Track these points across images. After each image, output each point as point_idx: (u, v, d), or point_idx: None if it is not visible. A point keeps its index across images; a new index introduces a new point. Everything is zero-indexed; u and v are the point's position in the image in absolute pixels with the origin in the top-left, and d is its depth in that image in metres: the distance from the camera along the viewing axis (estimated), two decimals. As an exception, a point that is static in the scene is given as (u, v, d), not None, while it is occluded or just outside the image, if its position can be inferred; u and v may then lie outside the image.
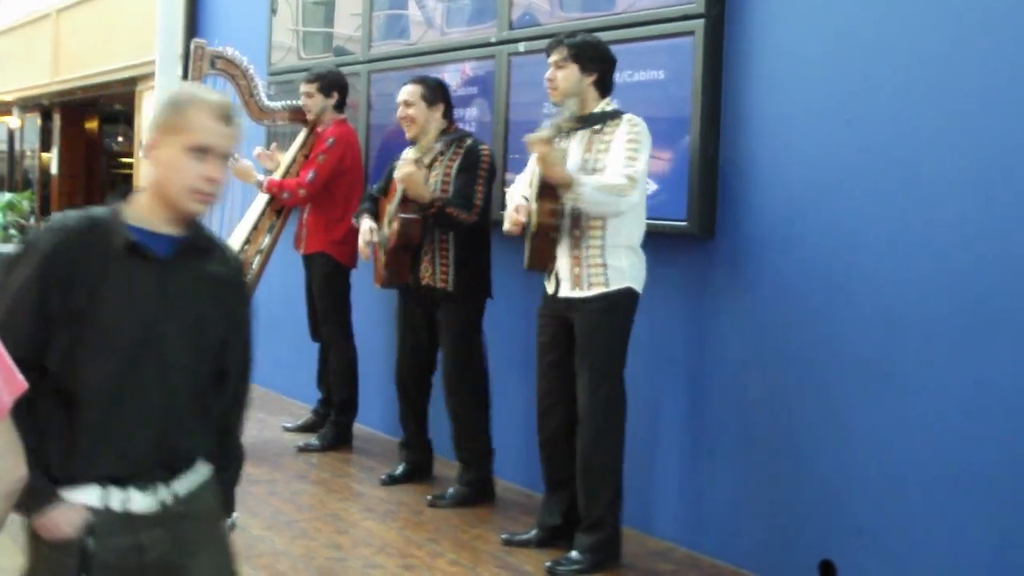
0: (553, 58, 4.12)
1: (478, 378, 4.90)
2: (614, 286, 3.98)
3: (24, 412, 1.85)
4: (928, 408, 3.54)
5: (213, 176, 2.16)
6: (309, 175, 5.63)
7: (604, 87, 4.12)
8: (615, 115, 4.06)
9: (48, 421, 2.08)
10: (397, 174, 4.75)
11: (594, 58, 4.09)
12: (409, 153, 4.82)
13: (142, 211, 2.16)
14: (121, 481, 2.09)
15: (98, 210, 2.17)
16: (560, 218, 4.03)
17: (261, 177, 5.81)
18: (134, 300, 2.11)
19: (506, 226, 4.20)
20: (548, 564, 4.01)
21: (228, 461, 2.32)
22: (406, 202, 4.73)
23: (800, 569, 3.90)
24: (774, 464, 4.05)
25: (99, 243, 2.09)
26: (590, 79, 4.08)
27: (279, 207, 5.84)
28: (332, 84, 5.78)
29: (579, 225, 4.02)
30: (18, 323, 2.06)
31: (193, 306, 2.18)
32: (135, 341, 2.10)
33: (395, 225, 4.78)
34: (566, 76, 4.08)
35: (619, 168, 3.92)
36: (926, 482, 3.54)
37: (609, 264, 3.98)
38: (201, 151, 2.13)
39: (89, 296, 2.07)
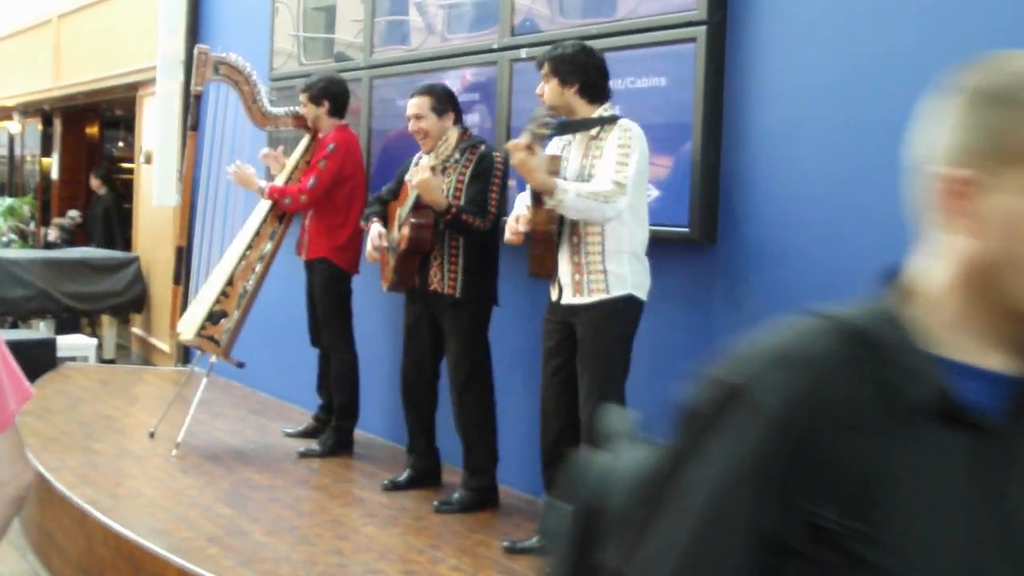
0: (541, 72, 4.17)
1: (484, 386, 4.90)
2: (615, 292, 3.98)
3: None
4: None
5: None
6: (310, 181, 5.63)
7: (592, 94, 4.11)
8: (612, 121, 4.06)
9: None
10: (413, 180, 4.74)
11: (572, 69, 4.08)
12: (426, 160, 4.77)
13: (941, 320, 1.09)
14: None
15: (854, 314, 1.16)
16: (555, 224, 4.04)
17: (263, 184, 5.83)
18: (954, 511, 1.03)
19: (506, 236, 4.22)
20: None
21: None
22: (419, 207, 4.73)
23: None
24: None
25: (878, 389, 1.04)
26: (571, 90, 4.09)
27: (281, 213, 5.85)
28: (321, 93, 5.77)
29: (577, 232, 4.03)
30: (717, 563, 1.03)
31: None
32: None
33: (406, 230, 4.78)
34: (549, 90, 4.12)
35: (608, 174, 3.92)
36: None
37: (609, 270, 3.98)
38: None
39: (860, 503, 1.01)
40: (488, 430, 4.90)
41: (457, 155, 4.83)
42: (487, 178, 4.75)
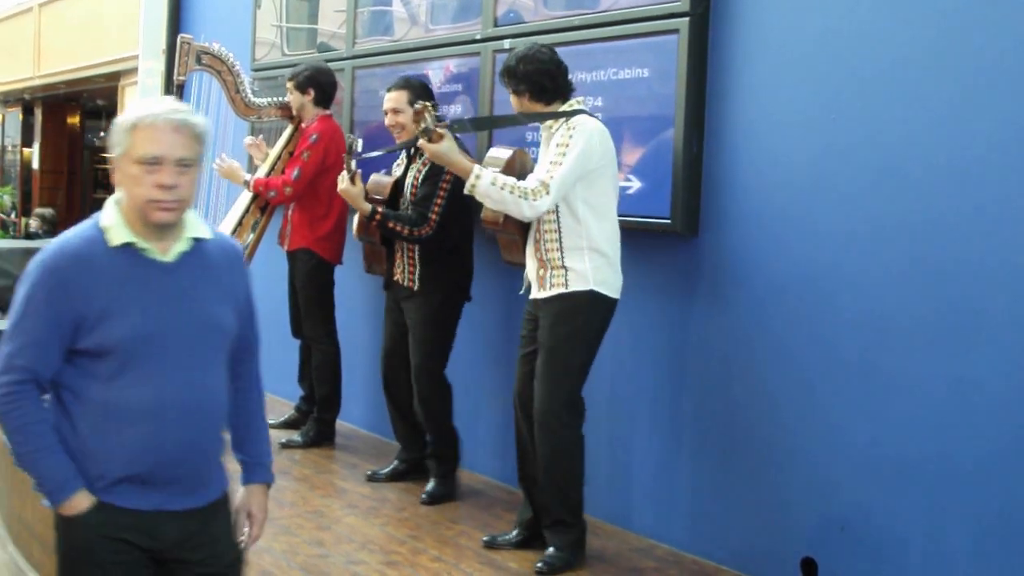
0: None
1: (437, 375, 4.89)
2: (573, 288, 3.97)
3: None
4: (909, 405, 3.56)
5: None
6: (294, 173, 5.62)
7: (545, 96, 4.11)
8: (571, 116, 4.03)
9: None
10: (339, 187, 4.88)
11: (517, 82, 4.12)
12: (345, 171, 4.87)
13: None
14: None
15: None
16: (500, 215, 4.07)
17: (248, 176, 5.81)
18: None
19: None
20: (539, 566, 3.99)
21: None
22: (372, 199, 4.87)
23: (782, 566, 3.91)
24: (757, 462, 4.06)
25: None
26: (525, 98, 4.13)
27: (263, 204, 5.83)
28: (307, 81, 5.76)
29: (538, 228, 4.04)
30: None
31: None
32: None
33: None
34: (512, 100, 4.19)
35: (539, 172, 3.95)
36: (907, 479, 3.56)
37: (569, 267, 3.97)
38: None
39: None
40: (443, 419, 4.91)
41: (421, 151, 4.86)
42: (436, 181, 4.74)
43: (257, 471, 2.71)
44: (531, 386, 4.11)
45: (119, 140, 2.40)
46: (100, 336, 2.34)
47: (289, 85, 5.81)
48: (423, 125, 4.05)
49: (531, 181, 3.92)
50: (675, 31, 4.26)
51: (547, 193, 3.87)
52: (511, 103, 4.22)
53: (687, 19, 4.22)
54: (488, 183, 3.91)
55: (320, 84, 5.78)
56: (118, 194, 2.46)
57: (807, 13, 3.94)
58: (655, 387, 4.47)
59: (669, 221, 4.28)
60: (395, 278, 4.92)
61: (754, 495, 4.07)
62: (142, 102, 2.47)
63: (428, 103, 4.18)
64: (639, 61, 4.43)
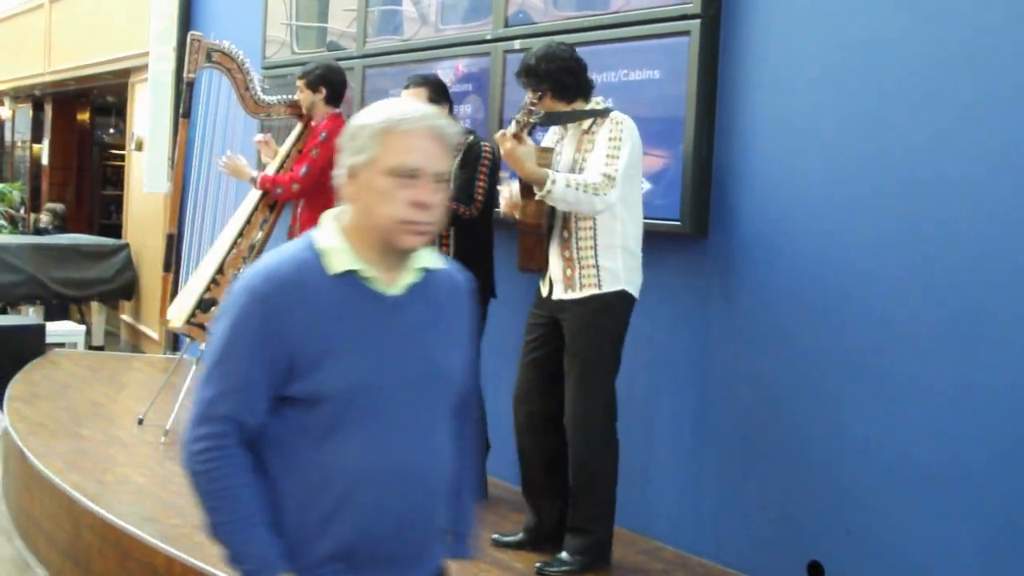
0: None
1: (474, 377, 4.89)
2: (607, 288, 3.95)
3: None
4: (917, 409, 3.56)
5: None
6: (302, 170, 5.62)
7: (567, 94, 4.07)
8: (603, 113, 4.04)
9: None
10: None
11: (536, 80, 4.05)
12: None
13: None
14: None
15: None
16: (544, 217, 4.03)
17: (255, 173, 5.82)
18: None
19: (501, 207, 4.26)
20: (538, 565, 3.99)
21: None
22: None
23: (789, 570, 3.91)
24: (764, 464, 4.06)
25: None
26: (546, 97, 4.06)
27: (272, 201, 5.83)
28: (319, 79, 5.77)
29: (568, 226, 4.01)
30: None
31: None
32: None
33: None
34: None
35: (599, 167, 3.90)
36: (915, 483, 3.56)
37: (602, 266, 3.95)
38: None
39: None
40: (479, 423, 4.90)
41: None
42: (475, 166, 4.73)
43: (457, 543, 2.26)
44: (537, 391, 4.10)
45: (364, 146, 1.98)
46: (315, 382, 1.95)
47: (299, 83, 5.82)
48: (530, 119, 3.95)
49: (594, 176, 3.86)
50: (686, 33, 4.26)
51: (613, 186, 3.85)
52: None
53: (698, 21, 4.22)
54: (564, 186, 3.83)
55: (331, 82, 5.78)
56: (336, 210, 2.07)
57: (818, 15, 3.94)
58: (663, 388, 4.46)
59: (679, 222, 4.28)
60: None
61: (762, 498, 4.06)
62: (387, 103, 2.05)
63: (536, 97, 4.05)
64: (650, 63, 4.42)
